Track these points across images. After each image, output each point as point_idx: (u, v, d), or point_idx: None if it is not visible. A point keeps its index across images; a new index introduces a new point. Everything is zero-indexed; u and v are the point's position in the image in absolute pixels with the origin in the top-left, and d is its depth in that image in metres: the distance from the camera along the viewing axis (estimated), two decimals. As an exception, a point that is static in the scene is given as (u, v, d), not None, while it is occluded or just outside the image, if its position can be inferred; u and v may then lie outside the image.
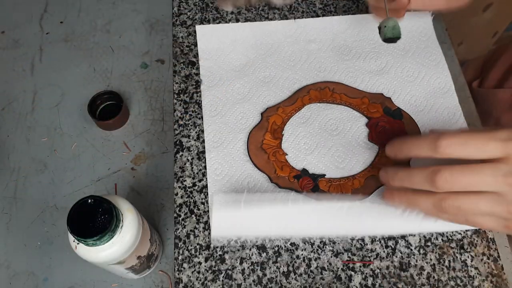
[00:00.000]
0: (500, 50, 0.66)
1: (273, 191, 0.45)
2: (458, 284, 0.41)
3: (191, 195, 0.45)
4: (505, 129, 0.32)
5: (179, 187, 0.46)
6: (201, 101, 0.50)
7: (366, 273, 0.42)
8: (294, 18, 0.56)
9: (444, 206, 0.33)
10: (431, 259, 0.43)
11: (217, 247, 0.43)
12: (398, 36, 0.44)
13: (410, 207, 0.38)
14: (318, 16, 0.57)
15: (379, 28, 0.45)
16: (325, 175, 0.46)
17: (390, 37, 0.44)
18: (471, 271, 0.42)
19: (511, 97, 0.60)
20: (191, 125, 0.49)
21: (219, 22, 0.56)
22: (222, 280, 0.41)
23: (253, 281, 0.41)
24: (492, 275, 0.42)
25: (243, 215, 0.41)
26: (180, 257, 0.42)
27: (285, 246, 0.43)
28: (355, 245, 0.43)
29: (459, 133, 0.33)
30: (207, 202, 0.45)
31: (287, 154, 0.47)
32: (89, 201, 0.42)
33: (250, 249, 0.43)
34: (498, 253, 0.43)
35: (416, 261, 0.42)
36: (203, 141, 0.48)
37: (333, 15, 0.57)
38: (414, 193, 0.36)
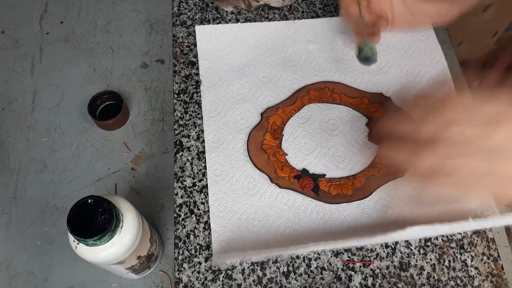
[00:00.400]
0: (500, 50, 0.66)
1: (271, 206, 0.45)
2: (458, 284, 0.41)
3: (191, 195, 0.45)
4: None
5: (179, 187, 0.46)
6: (201, 101, 0.50)
7: (366, 273, 0.42)
8: (294, 18, 0.56)
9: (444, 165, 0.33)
10: (431, 259, 0.43)
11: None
12: (376, 59, 0.47)
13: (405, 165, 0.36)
14: (318, 16, 0.57)
15: (360, 48, 0.47)
16: (325, 175, 0.46)
17: (370, 57, 0.46)
18: (471, 271, 0.42)
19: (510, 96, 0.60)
20: (191, 125, 0.49)
21: (219, 22, 0.56)
22: (222, 280, 0.41)
23: (253, 281, 0.41)
24: (492, 275, 0.42)
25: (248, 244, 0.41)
26: (180, 257, 0.42)
27: (285, 246, 0.43)
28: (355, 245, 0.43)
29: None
30: (207, 202, 0.45)
31: (287, 154, 0.47)
32: (89, 201, 0.42)
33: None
34: (498, 253, 0.43)
35: (416, 261, 0.42)
36: (203, 141, 0.48)
37: (333, 15, 0.57)
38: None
